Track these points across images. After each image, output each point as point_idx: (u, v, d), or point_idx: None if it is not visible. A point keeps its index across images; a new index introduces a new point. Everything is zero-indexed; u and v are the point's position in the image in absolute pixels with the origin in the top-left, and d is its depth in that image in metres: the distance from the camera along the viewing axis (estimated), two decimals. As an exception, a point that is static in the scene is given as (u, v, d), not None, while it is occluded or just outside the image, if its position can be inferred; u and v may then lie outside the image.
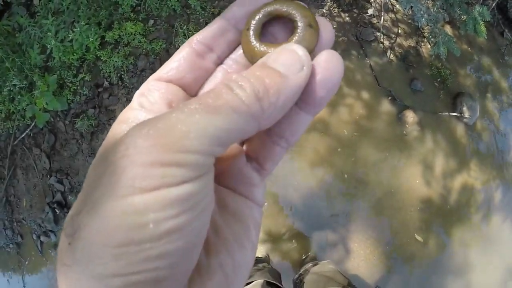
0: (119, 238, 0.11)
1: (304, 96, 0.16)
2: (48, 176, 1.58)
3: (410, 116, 1.53)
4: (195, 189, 0.12)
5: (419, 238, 1.43)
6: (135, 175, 0.12)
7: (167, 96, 0.17)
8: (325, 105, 0.17)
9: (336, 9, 1.61)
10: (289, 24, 0.18)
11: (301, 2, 0.18)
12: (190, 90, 0.18)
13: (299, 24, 0.17)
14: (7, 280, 1.75)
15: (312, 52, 0.17)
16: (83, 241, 0.12)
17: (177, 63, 0.17)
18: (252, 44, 0.17)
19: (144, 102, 0.17)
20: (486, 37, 1.36)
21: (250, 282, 0.74)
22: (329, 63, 0.16)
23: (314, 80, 0.16)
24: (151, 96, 0.17)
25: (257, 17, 0.17)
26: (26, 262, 1.69)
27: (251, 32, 0.17)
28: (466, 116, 1.61)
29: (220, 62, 0.18)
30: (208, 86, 0.18)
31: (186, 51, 0.17)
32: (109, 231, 0.11)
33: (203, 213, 0.13)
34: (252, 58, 0.17)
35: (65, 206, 1.57)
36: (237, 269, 0.16)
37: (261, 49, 0.17)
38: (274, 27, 0.18)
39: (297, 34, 0.17)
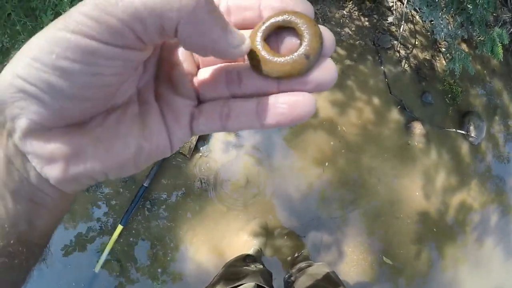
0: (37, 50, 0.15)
1: (262, 114, 0.18)
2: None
3: (418, 128, 1.52)
4: (100, 51, 0.14)
5: (387, 261, 1.41)
6: (70, 17, 0.14)
7: None
8: None
9: (356, 12, 1.60)
10: (294, 33, 0.18)
11: (319, 26, 0.18)
12: None
13: (302, 44, 0.17)
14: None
15: (303, 74, 0.17)
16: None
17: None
18: (256, 43, 0.18)
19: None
20: (501, 60, 1.36)
21: (240, 285, 0.72)
22: (298, 105, 0.17)
23: (278, 102, 0.17)
24: None
25: (275, 19, 0.17)
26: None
27: (262, 31, 0.18)
28: (472, 135, 1.60)
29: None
30: None
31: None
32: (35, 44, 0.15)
33: (99, 76, 0.15)
34: (251, 59, 0.18)
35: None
36: (112, 140, 0.17)
37: (263, 53, 0.17)
38: (284, 34, 0.19)
39: (295, 55, 0.17)
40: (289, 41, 0.18)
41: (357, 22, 1.58)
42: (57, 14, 1.46)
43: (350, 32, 1.57)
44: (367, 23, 1.60)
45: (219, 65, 0.19)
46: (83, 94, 0.15)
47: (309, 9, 0.18)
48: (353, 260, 1.39)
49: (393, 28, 1.63)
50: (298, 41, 0.18)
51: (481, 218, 1.61)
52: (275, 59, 0.17)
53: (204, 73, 0.19)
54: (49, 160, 0.16)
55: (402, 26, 1.57)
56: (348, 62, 1.54)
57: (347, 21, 1.57)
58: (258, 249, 1.26)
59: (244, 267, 0.88)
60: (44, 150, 0.16)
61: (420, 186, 1.51)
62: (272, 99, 0.17)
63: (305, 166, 1.43)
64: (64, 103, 0.15)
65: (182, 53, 0.19)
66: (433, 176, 1.54)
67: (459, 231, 1.56)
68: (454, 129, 1.59)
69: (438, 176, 1.55)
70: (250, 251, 1.25)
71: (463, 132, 1.60)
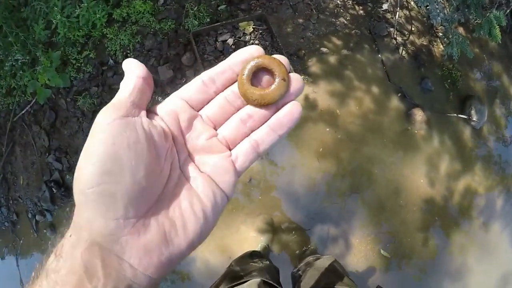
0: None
1: (275, 126, 0.24)
2: (47, 154, 1.56)
3: (419, 115, 1.51)
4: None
5: (385, 254, 1.40)
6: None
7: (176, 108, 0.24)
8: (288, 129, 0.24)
9: (350, 1, 1.58)
10: (269, 72, 0.25)
11: (279, 59, 0.25)
12: (196, 107, 0.25)
13: (276, 77, 0.24)
14: (1, 258, 1.72)
15: (282, 97, 0.24)
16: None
17: (191, 90, 0.25)
18: (245, 86, 0.24)
19: (163, 108, 0.24)
20: (500, 42, 1.34)
21: (247, 281, 0.72)
22: (291, 110, 0.24)
23: (280, 118, 0.24)
24: (167, 107, 0.24)
25: (248, 67, 0.24)
26: (21, 241, 1.67)
27: (245, 78, 0.24)
28: (474, 119, 1.59)
29: (220, 91, 0.25)
30: (208, 106, 0.25)
31: (197, 82, 0.25)
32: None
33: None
34: (244, 95, 0.25)
35: (62, 185, 1.55)
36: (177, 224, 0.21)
37: (251, 90, 0.24)
38: (260, 72, 0.25)
39: (274, 85, 0.24)
40: (265, 77, 0.25)
41: (351, 11, 1.56)
42: (48, 23, 1.45)
43: (345, 22, 1.55)
44: (361, 11, 1.58)
45: (230, 118, 0.25)
46: (136, 170, 0.20)
47: (262, 51, 0.25)
48: (360, 251, 1.38)
49: (388, 15, 1.61)
50: (270, 75, 0.25)
51: (486, 202, 1.60)
52: (266, 90, 0.24)
53: (225, 128, 0.24)
54: (145, 251, 0.20)
55: (397, 12, 1.55)
56: (344, 52, 1.52)
57: (341, 10, 1.55)
58: (265, 245, 1.26)
59: (251, 263, 0.87)
60: (140, 242, 0.20)
61: (424, 173, 1.50)
62: (278, 116, 0.24)
63: (308, 159, 1.42)
64: (128, 183, 0.19)
65: (198, 125, 0.24)
66: (437, 163, 1.53)
67: (465, 217, 1.55)
68: (455, 114, 1.58)
69: (441, 162, 1.53)
70: (257, 247, 1.24)
71: (464, 116, 1.58)
